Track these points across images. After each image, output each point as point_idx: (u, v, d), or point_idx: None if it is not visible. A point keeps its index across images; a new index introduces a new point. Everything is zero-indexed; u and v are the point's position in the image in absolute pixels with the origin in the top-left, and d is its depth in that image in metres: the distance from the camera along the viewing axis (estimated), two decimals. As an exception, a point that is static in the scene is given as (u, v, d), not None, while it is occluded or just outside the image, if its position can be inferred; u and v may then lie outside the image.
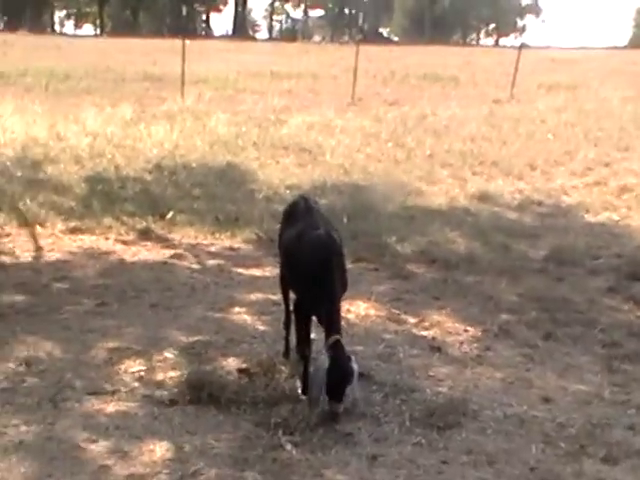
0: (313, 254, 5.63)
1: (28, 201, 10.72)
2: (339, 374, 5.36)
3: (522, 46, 30.80)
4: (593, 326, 7.50)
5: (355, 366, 5.48)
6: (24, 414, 5.41)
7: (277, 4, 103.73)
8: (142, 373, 6.13)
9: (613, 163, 15.31)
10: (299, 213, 6.22)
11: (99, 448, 5.05)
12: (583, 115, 20.68)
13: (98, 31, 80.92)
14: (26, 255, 8.98)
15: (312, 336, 5.93)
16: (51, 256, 9.01)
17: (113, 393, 5.77)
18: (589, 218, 11.70)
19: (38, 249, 9.21)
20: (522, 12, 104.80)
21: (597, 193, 13.20)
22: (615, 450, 5.28)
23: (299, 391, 5.82)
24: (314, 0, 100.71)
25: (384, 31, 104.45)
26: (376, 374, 6.27)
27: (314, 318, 5.84)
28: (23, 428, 5.23)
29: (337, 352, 5.41)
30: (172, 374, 6.12)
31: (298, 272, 5.83)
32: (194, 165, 13.61)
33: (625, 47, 65.85)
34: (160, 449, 5.07)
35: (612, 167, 15.01)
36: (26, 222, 10.02)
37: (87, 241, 9.64)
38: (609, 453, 5.24)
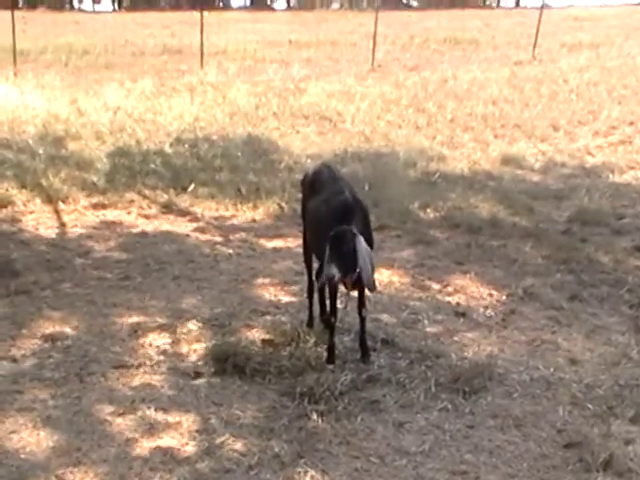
0: (340, 216, 5.57)
1: (51, 177, 10.74)
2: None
3: (543, 6, 30.31)
4: (619, 286, 7.45)
5: None
6: (51, 389, 5.46)
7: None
8: (167, 346, 6.16)
9: (638, 121, 15.10)
10: (323, 181, 6.18)
11: (126, 421, 5.08)
12: (606, 73, 20.38)
13: (116, 6, 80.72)
14: (49, 231, 9.01)
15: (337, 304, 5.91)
16: (74, 232, 9.04)
17: (138, 366, 5.80)
18: (614, 178, 11.57)
19: (61, 225, 9.24)
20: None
21: (622, 152, 13.05)
22: (643, 410, 5.25)
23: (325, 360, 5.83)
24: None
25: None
26: (401, 341, 6.26)
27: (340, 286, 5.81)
28: (51, 403, 5.28)
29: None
30: (196, 346, 6.14)
31: (323, 238, 5.75)
32: (215, 137, 13.57)
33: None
34: (186, 421, 5.10)
35: (637, 125, 14.82)
36: (49, 198, 10.05)
37: (110, 216, 9.67)
38: (637, 413, 5.22)
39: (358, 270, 5.40)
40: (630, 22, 35.08)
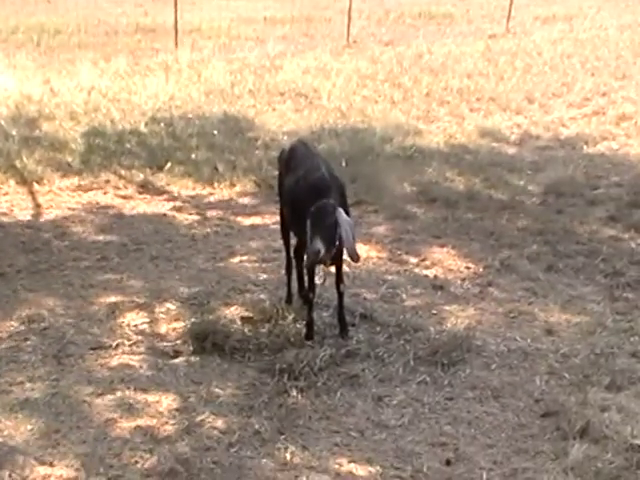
0: (317, 193, 5.56)
1: (25, 159, 10.63)
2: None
3: (517, -22, 30.24)
4: (594, 256, 7.52)
5: None
6: (28, 371, 5.45)
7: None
8: (145, 326, 6.16)
9: (611, 92, 15.15)
10: (299, 157, 6.18)
11: (105, 402, 5.09)
12: (580, 45, 20.42)
13: (88, -15, 79.88)
14: (25, 213, 8.94)
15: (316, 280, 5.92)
16: (50, 213, 8.97)
17: (116, 347, 5.80)
18: (588, 149, 11.62)
19: (36, 207, 9.17)
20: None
21: (595, 123, 13.09)
22: (619, 378, 5.34)
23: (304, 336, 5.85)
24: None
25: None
26: (379, 315, 6.30)
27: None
28: (28, 385, 5.27)
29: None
30: (175, 325, 6.15)
31: (301, 214, 5.73)
32: (190, 115, 13.47)
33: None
34: (166, 400, 5.11)
35: (610, 96, 14.87)
36: (23, 180, 9.96)
37: (85, 197, 9.59)
38: (613, 381, 5.29)
39: (339, 242, 5.41)
40: (603, -7, 35.11)
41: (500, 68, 17.52)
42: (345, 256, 5.73)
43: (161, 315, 6.33)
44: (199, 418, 4.90)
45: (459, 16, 29.03)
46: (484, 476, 4.44)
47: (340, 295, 5.97)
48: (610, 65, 17.55)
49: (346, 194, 5.99)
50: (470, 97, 14.89)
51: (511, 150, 11.68)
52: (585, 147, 11.68)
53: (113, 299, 6.62)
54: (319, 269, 5.90)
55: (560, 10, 28.54)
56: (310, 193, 5.59)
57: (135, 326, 6.15)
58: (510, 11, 25.15)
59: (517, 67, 17.60)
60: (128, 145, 11.57)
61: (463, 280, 7.09)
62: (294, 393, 5.15)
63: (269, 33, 25.31)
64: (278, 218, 6.74)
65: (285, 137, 11.78)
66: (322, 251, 5.32)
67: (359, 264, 7.22)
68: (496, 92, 15.16)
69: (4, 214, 8.89)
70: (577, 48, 19.94)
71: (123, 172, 10.38)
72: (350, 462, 4.54)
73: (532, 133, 12.60)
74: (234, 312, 6.34)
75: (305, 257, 5.78)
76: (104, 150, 11.31)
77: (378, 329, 6.08)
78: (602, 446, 4.60)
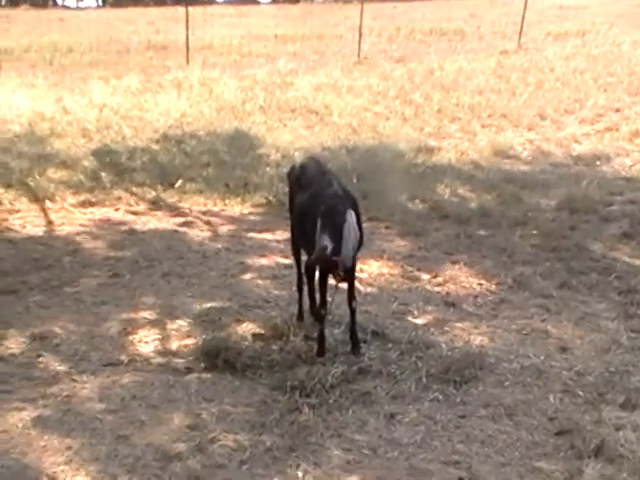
0: (331, 210, 5.55)
1: (37, 176, 10.70)
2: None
3: (528, -5, 30.28)
4: (608, 273, 7.47)
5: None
6: (41, 388, 5.43)
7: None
8: (156, 342, 6.14)
9: (624, 108, 15.13)
10: (311, 174, 6.17)
11: (117, 419, 5.06)
12: (592, 61, 20.40)
13: (100, 2, 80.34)
14: (37, 230, 8.98)
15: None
16: (62, 230, 9.00)
17: (128, 364, 5.78)
18: (601, 165, 11.59)
19: (49, 224, 9.20)
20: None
21: (609, 139, 13.07)
22: (634, 396, 5.27)
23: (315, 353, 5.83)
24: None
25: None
26: (391, 332, 6.26)
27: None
28: (41, 402, 5.25)
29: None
30: (187, 342, 6.13)
31: (312, 231, 5.70)
32: (202, 132, 13.54)
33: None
34: (177, 417, 5.08)
35: (623, 112, 14.84)
36: (36, 197, 10.01)
37: (97, 213, 9.63)
38: (628, 399, 5.23)
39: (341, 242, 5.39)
40: (614, 10, 35.10)
41: (512, 84, 17.54)
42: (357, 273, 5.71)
43: (173, 332, 6.32)
44: (211, 435, 4.87)
45: (470, 32, 29.11)
46: (498, 495, 4.39)
47: (352, 312, 5.94)
48: (623, 81, 17.53)
49: (359, 211, 5.97)
50: (482, 113, 14.91)
51: (523, 167, 11.67)
52: (598, 163, 11.65)
53: (125, 316, 6.61)
54: (330, 286, 5.88)
55: (572, 26, 28.56)
56: (323, 209, 5.58)
57: (147, 343, 6.14)
58: (522, 27, 25.19)
59: (529, 83, 17.61)
60: (140, 162, 11.63)
61: (476, 297, 7.06)
62: (306, 410, 5.12)
63: (280, 50, 25.44)
64: (289, 235, 6.74)
65: (296, 153, 11.81)
66: (329, 248, 5.31)
67: (371, 281, 7.29)
68: (508, 108, 15.17)
69: (17, 231, 8.92)
70: (590, 64, 19.92)
71: (135, 189, 10.42)
72: (362, 480, 4.51)
73: (544, 149, 12.60)
74: (246, 329, 6.32)
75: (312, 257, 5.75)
76: (116, 167, 11.37)
77: (390, 346, 6.04)
78: (617, 465, 4.54)
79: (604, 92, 16.55)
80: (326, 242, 5.31)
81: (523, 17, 25.36)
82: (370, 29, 27.81)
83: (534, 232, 8.62)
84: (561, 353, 6.00)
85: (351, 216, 5.43)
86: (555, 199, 9.82)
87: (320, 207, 5.50)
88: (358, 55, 23.35)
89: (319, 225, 5.39)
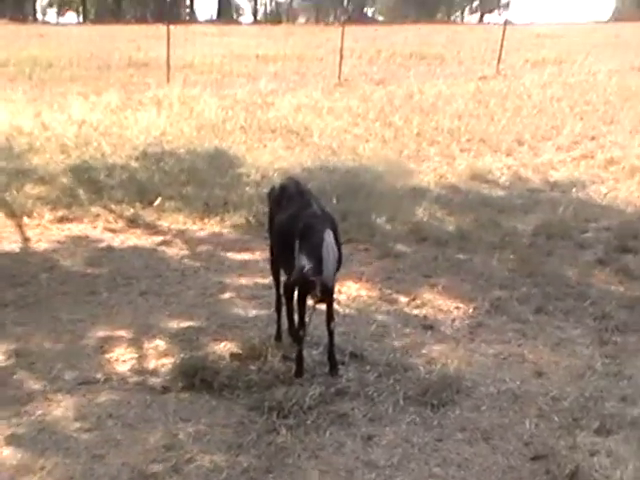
0: (309, 230, 5.57)
1: (14, 192, 10.64)
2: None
3: (506, 22, 30.68)
4: (584, 299, 7.52)
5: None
6: (15, 406, 5.38)
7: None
8: (134, 361, 6.11)
9: (599, 136, 15.28)
10: (290, 195, 6.19)
11: (92, 438, 5.03)
12: (569, 89, 20.64)
13: (81, 19, 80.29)
14: (13, 246, 8.92)
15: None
16: (39, 246, 8.95)
17: (105, 382, 5.75)
18: (577, 192, 11.68)
19: (25, 240, 9.15)
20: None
21: (584, 167, 13.19)
22: (608, 422, 5.30)
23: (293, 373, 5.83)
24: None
25: (369, 10, 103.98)
26: (369, 354, 6.27)
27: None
28: (14, 421, 5.21)
29: None
30: (164, 361, 6.10)
31: (292, 251, 5.73)
32: (181, 151, 13.53)
33: (607, 21, 65.77)
34: (154, 437, 5.06)
35: (598, 140, 14.99)
36: (13, 213, 9.96)
37: (75, 230, 9.59)
38: (602, 425, 5.26)
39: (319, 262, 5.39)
40: (590, 40, 35.66)
41: (490, 109, 17.69)
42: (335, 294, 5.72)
43: (150, 350, 6.29)
44: (187, 456, 4.85)
45: (450, 57, 29.39)
46: (474, 519, 4.40)
47: (330, 333, 5.95)
48: (599, 110, 17.72)
49: (338, 231, 6.00)
50: (461, 137, 15.01)
51: (501, 191, 11.75)
52: (574, 190, 11.75)
53: (102, 334, 6.58)
54: (309, 307, 5.88)
55: (549, 54, 28.93)
56: (301, 229, 5.60)
57: (124, 361, 6.11)
58: (500, 54, 25.47)
59: (507, 109, 17.77)
60: (118, 179, 11.60)
61: (453, 320, 7.08)
62: (283, 431, 5.11)
63: (261, 70, 25.53)
64: (268, 255, 6.74)
65: (276, 174, 11.83)
66: (306, 267, 5.32)
67: (349, 302, 7.30)
68: (486, 133, 15.29)
69: (-7, 246, 8.86)
70: (566, 92, 20.14)
71: (113, 206, 10.39)
72: (339, 503, 4.50)
73: (522, 175, 12.69)
74: (223, 348, 6.31)
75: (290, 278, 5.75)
76: (94, 184, 11.33)
77: (368, 368, 6.05)
78: (592, 490, 4.57)
79: (580, 120, 16.73)
80: (304, 262, 5.33)
81: (502, 44, 25.65)
82: (351, 51, 28.01)
83: (511, 257, 8.68)
84: (537, 378, 6.04)
85: (329, 236, 5.46)
86: (532, 224, 9.89)
87: (299, 227, 5.53)
88: (339, 77, 23.48)
89: (297, 245, 5.41)
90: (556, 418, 5.39)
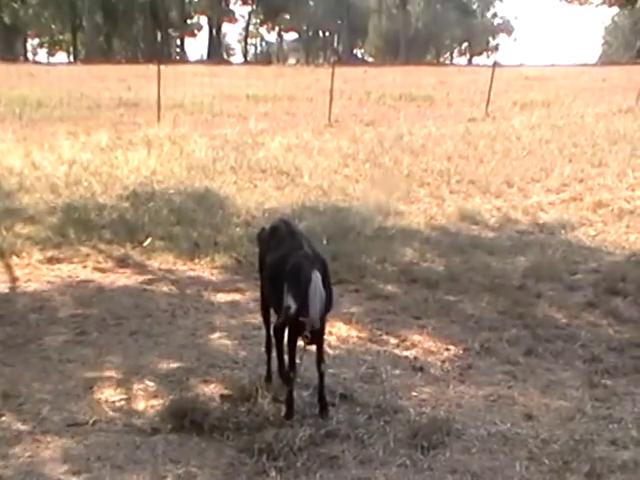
0: (297, 270, 5.58)
1: (4, 231, 10.63)
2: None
3: (495, 64, 31.06)
4: (573, 341, 7.54)
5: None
6: (2, 448, 5.33)
7: (251, 28, 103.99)
8: (123, 402, 6.08)
9: (588, 179, 15.37)
10: (281, 236, 6.21)
11: (80, 480, 4.99)
12: (557, 131, 20.80)
13: (72, 58, 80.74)
14: (2, 286, 8.90)
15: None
16: (28, 286, 8.93)
17: (94, 423, 5.71)
18: (566, 234, 11.75)
19: (14, 280, 9.12)
20: (494, 31, 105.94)
21: (573, 209, 13.28)
22: (599, 465, 5.28)
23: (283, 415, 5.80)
24: (288, 23, 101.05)
25: (359, 52, 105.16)
26: (359, 396, 6.25)
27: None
28: (2, 463, 5.15)
29: None
30: (153, 402, 6.07)
31: (282, 292, 5.73)
32: (172, 191, 13.55)
33: (595, 64, 66.63)
34: (142, 479, 5.02)
35: (587, 183, 15.08)
36: (2, 253, 9.94)
37: (65, 270, 9.58)
38: (593, 468, 5.24)
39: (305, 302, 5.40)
40: (578, 82, 36.06)
41: (480, 151, 17.81)
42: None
43: (139, 392, 6.26)
44: (176, 498, 4.82)
45: (439, 99, 29.64)
46: None
47: (321, 375, 5.93)
48: (587, 152, 17.85)
49: (329, 272, 6.01)
50: (450, 179, 15.09)
51: (491, 233, 11.80)
52: (563, 232, 11.82)
53: (91, 374, 6.55)
54: (299, 348, 5.88)
55: (538, 97, 29.20)
56: (289, 269, 5.62)
57: (113, 402, 6.07)
58: (489, 96, 25.70)
59: (496, 151, 17.89)
60: (108, 219, 11.61)
61: (443, 362, 7.08)
62: (273, 473, 5.08)
63: (251, 110, 25.67)
64: (258, 295, 6.75)
65: (266, 214, 11.86)
66: (292, 308, 5.33)
67: (339, 343, 7.30)
68: (476, 175, 15.38)
69: (-18, 286, 8.83)
70: (555, 134, 20.30)
71: (103, 246, 10.40)
72: None
73: (511, 216, 12.76)
74: (213, 390, 6.29)
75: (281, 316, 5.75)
76: (84, 224, 11.33)
77: (358, 409, 6.03)
78: (583, 534, 4.55)
79: (569, 162, 16.83)
80: (290, 302, 5.34)
81: (490, 86, 25.89)
82: (341, 92, 28.24)
83: (501, 298, 8.70)
84: (527, 420, 6.02)
85: (317, 276, 5.46)
86: (521, 266, 9.93)
87: (288, 267, 5.55)
88: (329, 117, 23.63)
89: (285, 285, 5.43)
90: (546, 461, 5.37)
